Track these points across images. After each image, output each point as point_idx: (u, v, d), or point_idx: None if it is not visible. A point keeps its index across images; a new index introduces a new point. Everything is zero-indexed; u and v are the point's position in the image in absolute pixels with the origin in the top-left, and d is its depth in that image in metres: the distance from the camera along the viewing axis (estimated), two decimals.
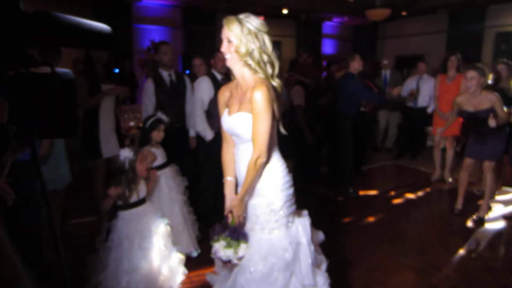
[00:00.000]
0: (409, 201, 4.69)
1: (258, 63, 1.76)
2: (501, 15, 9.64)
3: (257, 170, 1.78)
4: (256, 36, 1.75)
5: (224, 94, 1.98)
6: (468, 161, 4.03)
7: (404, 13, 10.95)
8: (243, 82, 1.84)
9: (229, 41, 1.76)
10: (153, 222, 2.51)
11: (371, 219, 4.11)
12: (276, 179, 1.88)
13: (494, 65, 4.55)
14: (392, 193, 4.95)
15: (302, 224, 1.95)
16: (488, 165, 3.88)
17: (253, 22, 1.75)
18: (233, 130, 1.87)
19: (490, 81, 4.44)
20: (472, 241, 3.54)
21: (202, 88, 3.62)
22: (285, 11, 10.49)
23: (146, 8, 8.80)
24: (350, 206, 4.47)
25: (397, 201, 4.67)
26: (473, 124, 3.95)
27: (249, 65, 1.77)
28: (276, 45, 9.70)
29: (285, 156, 5.16)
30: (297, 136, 4.59)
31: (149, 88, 3.56)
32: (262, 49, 1.77)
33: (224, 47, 1.79)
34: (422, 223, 4.10)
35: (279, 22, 11.46)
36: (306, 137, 4.51)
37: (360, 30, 12.79)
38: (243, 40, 1.73)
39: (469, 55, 9.36)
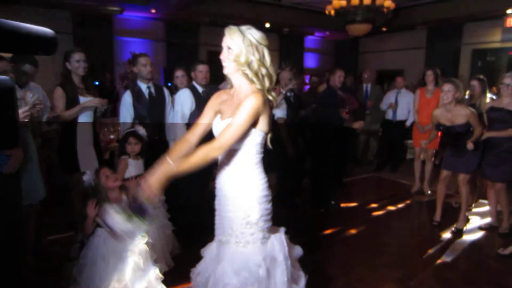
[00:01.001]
0: (390, 213, 4.73)
1: (256, 74, 1.77)
2: (477, 33, 9.97)
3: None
4: (257, 48, 1.76)
5: (220, 97, 1.97)
6: (444, 174, 4.12)
7: (384, 29, 11.22)
8: (240, 91, 1.84)
9: (229, 49, 1.77)
10: (131, 241, 2.43)
11: (352, 231, 4.12)
12: (255, 191, 1.86)
13: (469, 81, 4.69)
14: (373, 205, 4.98)
15: (279, 240, 1.93)
16: (462, 178, 3.98)
17: (255, 34, 1.76)
18: None
19: (466, 97, 4.56)
20: (450, 253, 3.59)
21: (183, 101, 3.61)
22: (267, 25, 10.62)
23: (128, 20, 8.78)
24: (332, 219, 4.47)
25: (377, 213, 4.71)
26: (450, 137, 4.04)
27: (246, 75, 1.77)
28: None
29: (268, 169, 5.15)
30: (279, 149, 4.60)
31: (126, 101, 3.53)
32: (261, 62, 1.77)
33: (224, 55, 1.80)
34: (402, 234, 4.13)
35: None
36: (288, 150, 4.52)
37: (341, 45, 13.03)
38: (243, 50, 1.73)
39: (447, 71, 9.62)
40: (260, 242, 1.86)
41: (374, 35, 11.90)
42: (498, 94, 9.63)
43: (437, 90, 5.16)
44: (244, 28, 1.77)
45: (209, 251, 2.02)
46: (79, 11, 7.78)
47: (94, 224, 2.41)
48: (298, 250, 2.14)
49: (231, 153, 1.83)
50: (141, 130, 2.88)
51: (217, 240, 1.97)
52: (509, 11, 8.74)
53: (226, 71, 1.83)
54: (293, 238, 3.57)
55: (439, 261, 3.43)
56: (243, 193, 1.85)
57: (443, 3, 9.44)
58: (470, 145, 3.72)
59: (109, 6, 7.89)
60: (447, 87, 3.83)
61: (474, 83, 4.41)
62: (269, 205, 1.91)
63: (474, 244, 3.83)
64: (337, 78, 4.62)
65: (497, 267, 3.35)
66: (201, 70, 3.73)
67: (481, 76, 4.48)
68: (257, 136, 1.81)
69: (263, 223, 1.88)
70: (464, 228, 4.03)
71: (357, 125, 4.70)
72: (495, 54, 10.83)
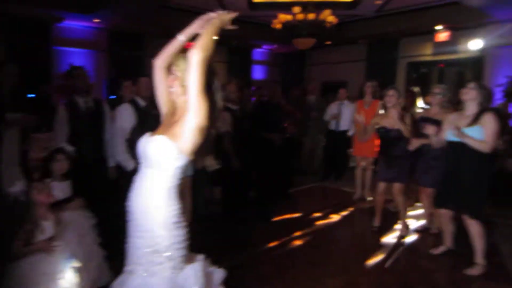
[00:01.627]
0: (334, 221, 4.87)
1: None
2: (411, 47, 10.66)
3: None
4: None
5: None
6: (381, 186, 4.31)
7: (328, 42, 11.68)
8: (181, 112, 1.81)
9: (175, 75, 1.82)
10: (60, 264, 2.30)
11: (297, 242, 4.18)
12: (164, 217, 1.75)
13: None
14: (318, 214, 5.10)
15: (193, 271, 1.82)
16: (398, 188, 4.18)
17: None
18: (146, 150, 1.80)
19: None
20: (389, 256, 3.74)
21: (123, 116, 3.50)
22: (216, 38, 10.65)
23: (68, 29, 8.40)
24: (277, 230, 4.51)
25: (322, 222, 4.82)
26: (385, 145, 4.25)
27: None
28: None
29: (213, 183, 5.12)
30: (224, 163, 4.59)
31: (61, 116, 3.37)
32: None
33: (170, 81, 1.84)
34: (345, 242, 4.26)
35: None
36: (233, 163, 4.52)
37: (288, 57, 13.35)
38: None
39: (386, 82, 10.15)
40: (169, 273, 1.74)
41: (319, 48, 12.33)
42: (430, 104, 10.31)
43: (374, 101, 5.43)
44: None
45: (119, 283, 1.85)
46: (12, 18, 7.34)
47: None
48: (219, 276, 2.02)
49: (151, 170, 1.78)
50: (68, 147, 2.74)
51: (126, 270, 1.83)
52: (437, 27, 9.45)
53: (172, 96, 1.88)
54: (236, 253, 3.58)
55: (378, 265, 3.57)
56: (151, 218, 1.75)
57: (381, 19, 10.00)
58: (411, 145, 3.96)
59: (47, 14, 7.53)
60: (391, 92, 4.16)
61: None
62: (181, 232, 1.80)
63: (410, 246, 4.05)
64: (276, 91, 4.72)
65: (430, 266, 3.55)
66: (144, 83, 3.65)
67: (413, 88, 4.78)
68: (178, 158, 1.76)
69: (174, 252, 1.77)
70: (406, 234, 4.24)
71: (275, 137, 4.74)
72: (427, 66, 11.62)
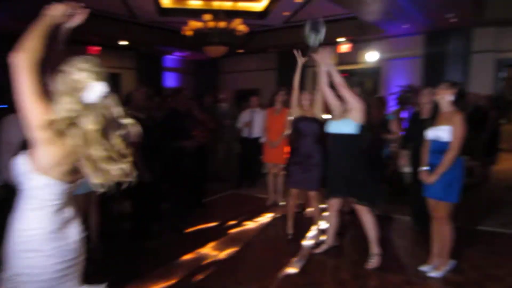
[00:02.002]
0: (248, 228, 4.90)
1: None
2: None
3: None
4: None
5: None
6: (293, 192, 4.40)
7: (240, 51, 11.89)
8: None
9: None
10: None
11: (211, 252, 4.12)
12: (15, 241, 1.53)
13: None
14: (232, 222, 5.10)
15: None
16: (314, 195, 4.27)
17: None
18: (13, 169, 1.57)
19: None
20: (300, 259, 3.85)
21: (9, 129, 3.12)
22: (123, 43, 10.19)
23: None
24: (190, 242, 4.40)
25: (236, 230, 4.82)
26: (298, 152, 4.31)
27: None
28: (115, 77, 9.30)
29: (123, 197, 4.81)
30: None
31: None
32: None
33: None
34: (260, 249, 4.30)
35: (118, 54, 11.08)
36: (142, 175, 4.31)
37: (201, 65, 13.32)
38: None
39: None
40: None
41: (232, 56, 12.52)
42: None
43: (284, 109, 5.62)
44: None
45: None
46: None
47: None
48: None
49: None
50: None
51: None
52: (340, 39, 10.19)
53: None
54: (148, 268, 3.41)
55: (291, 269, 3.66)
56: (16, 244, 1.54)
57: (290, 30, 10.48)
58: None
59: None
60: (306, 95, 4.39)
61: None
62: (55, 261, 1.55)
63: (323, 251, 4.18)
64: (184, 97, 4.64)
65: (333, 263, 3.74)
66: None
67: None
68: (33, 179, 1.51)
69: (44, 284, 1.54)
70: (321, 238, 4.31)
71: (188, 144, 4.66)
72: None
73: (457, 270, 3.45)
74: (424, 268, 3.49)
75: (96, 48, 10.44)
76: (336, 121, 3.66)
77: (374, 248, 3.64)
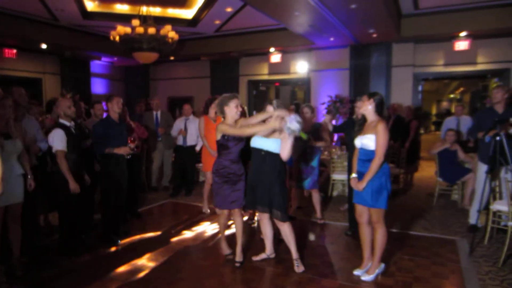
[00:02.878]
0: (186, 237, 4.78)
1: None
2: (251, 66, 11.54)
3: None
4: None
5: None
6: (225, 212, 3.98)
7: (172, 58, 11.68)
8: None
9: None
10: None
11: (149, 263, 3.95)
12: None
13: None
14: (169, 231, 4.95)
15: None
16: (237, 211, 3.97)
17: None
18: None
19: None
20: (240, 269, 3.84)
21: None
22: (44, 46, 9.48)
23: None
24: (125, 254, 4.19)
25: (174, 239, 4.68)
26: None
27: None
28: (35, 82, 8.68)
29: (50, 208, 4.46)
30: (59, 185, 4.06)
31: None
32: None
33: None
34: (197, 257, 4.20)
35: (39, 58, 10.30)
36: (70, 185, 4.02)
37: (132, 71, 12.86)
38: None
39: None
40: None
41: (163, 63, 12.27)
42: None
43: (219, 117, 5.59)
44: None
45: None
46: None
47: None
48: None
49: None
50: None
51: None
52: (271, 49, 10.48)
53: None
54: (78, 284, 3.18)
55: (229, 276, 3.64)
56: None
57: (221, 39, 10.55)
58: None
59: None
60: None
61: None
62: None
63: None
64: (115, 105, 4.42)
65: (271, 270, 3.77)
66: None
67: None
68: None
69: None
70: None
71: (120, 151, 4.46)
72: (265, 85, 12.75)
73: (387, 273, 3.66)
74: (357, 272, 3.64)
75: (12, 51, 9.58)
76: (264, 138, 3.64)
77: (295, 254, 3.71)
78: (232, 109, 3.72)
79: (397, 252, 4.18)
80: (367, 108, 3.48)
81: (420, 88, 10.05)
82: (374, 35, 8.63)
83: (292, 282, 3.52)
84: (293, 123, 3.26)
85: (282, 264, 3.89)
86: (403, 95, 9.40)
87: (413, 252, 4.22)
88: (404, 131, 7.60)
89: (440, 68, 9.59)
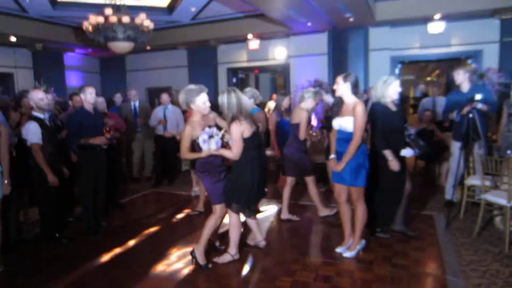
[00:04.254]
0: (170, 225, 4.78)
1: None
2: (229, 54, 11.44)
3: None
4: None
5: None
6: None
7: (148, 48, 11.47)
8: None
9: None
10: None
11: (132, 252, 3.94)
12: None
13: None
14: (153, 221, 4.94)
15: None
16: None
17: None
18: None
19: None
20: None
21: None
22: (14, 39, 9.17)
23: None
24: (109, 243, 4.17)
25: (157, 228, 4.68)
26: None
27: None
28: (6, 77, 8.41)
29: (30, 202, 4.39)
30: (37, 179, 3.98)
31: None
32: None
33: None
34: (184, 246, 4.19)
35: (10, 51, 9.96)
36: (48, 178, 3.96)
37: (107, 62, 12.60)
38: None
39: (209, 86, 10.61)
40: None
41: (139, 53, 12.04)
42: None
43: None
44: None
45: None
46: None
47: None
48: None
49: None
50: None
51: None
52: (249, 36, 10.41)
53: None
54: (64, 274, 3.17)
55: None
56: None
57: (198, 26, 10.41)
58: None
59: None
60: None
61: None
62: None
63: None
64: (88, 95, 4.34)
65: (260, 251, 3.82)
66: None
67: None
68: None
69: None
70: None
71: (96, 141, 4.33)
72: (245, 72, 12.69)
73: (368, 249, 3.76)
74: (339, 249, 3.74)
75: None
76: None
77: (232, 249, 3.59)
78: (199, 106, 3.35)
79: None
80: (343, 90, 3.52)
81: (397, 71, 10.19)
82: (351, 19, 8.67)
83: (275, 262, 3.57)
84: (203, 144, 3.16)
85: (271, 246, 3.94)
86: None
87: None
88: None
89: (416, 51, 9.72)
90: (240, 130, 3.29)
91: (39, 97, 4.06)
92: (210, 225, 3.52)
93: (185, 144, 3.34)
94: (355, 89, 3.49)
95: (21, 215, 4.77)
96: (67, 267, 3.63)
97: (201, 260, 3.53)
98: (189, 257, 3.63)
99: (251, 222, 3.89)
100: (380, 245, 3.87)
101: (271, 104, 10.18)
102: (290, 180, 4.80)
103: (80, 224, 4.61)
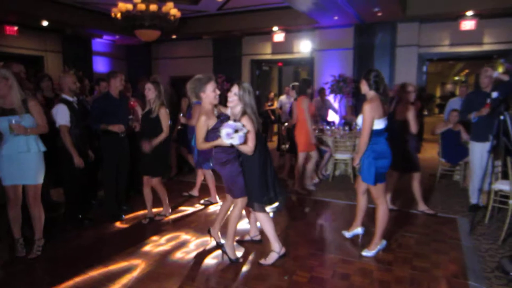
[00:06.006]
0: (190, 212, 4.84)
1: None
2: (253, 46, 11.39)
3: None
4: None
5: None
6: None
7: (174, 36, 11.55)
8: None
9: None
10: None
11: (153, 237, 4.01)
12: None
13: None
14: (173, 208, 4.98)
15: None
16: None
17: None
18: None
19: None
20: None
21: None
22: (45, 23, 9.37)
23: None
24: (130, 229, 4.27)
25: (178, 215, 4.74)
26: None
27: None
28: (36, 60, 8.57)
29: (53, 183, 4.50)
30: (64, 160, 4.08)
31: None
32: None
33: None
34: (201, 232, 4.23)
35: (40, 35, 10.21)
36: (74, 161, 4.05)
37: (133, 50, 12.76)
38: None
39: (233, 77, 10.64)
40: None
41: (165, 42, 12.13)
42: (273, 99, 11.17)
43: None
44: None
45: None
46: None
47: None
48: None
49: None
50: None
51: None
52: (274, 28, 10.32)
53: None
54: (92, 259, 3.23)
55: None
56: None
57: (224, 17, 10.39)
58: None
59: None
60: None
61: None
62: None
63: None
64: (118, 81, 4.40)
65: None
66: None
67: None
68: None
69: None
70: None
71: (116, 128, 4.36)
72: (268, 64, 12.62)
73: (388, 250, 3.70)
74: (345, 232, 3.90)
75: (13, 28, 9.49)
76: None
77: (275, 245, 3.43)
78: (209, 95, 3.26)
79: (398, 230, 4.22)
80: (363, 87, 3.52)
81: (424, 69, 9.94)
82: (379, 14, 8.48)
83: (292, 257, 3.57)
84: (227, 138, 2.98)
85: (288, 240, 3.93)
86: (407, 76, 9.29)
87: (414, 230, 4.27)
88: None
89: (445, 48, 9.46)
90: (252, 124, 3.16)
91: (71, 80, 4.16)
92: (234, 217, 3.44)
93: (201, 135, 3.25)
94: (375, 86, 3.44)
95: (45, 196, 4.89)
96: (91, 250, 3.74)
97: (232, 254, 3.47)
98: (208, 246, 3.66)
99: (252, 216, 3.82)
100: (400, 246, 3.81)
101: (284, 99, 9.99)
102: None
103: (102, 208, 4.72)
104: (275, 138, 11.06)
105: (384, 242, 3.69)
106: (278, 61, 11.97)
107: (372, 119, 3.36)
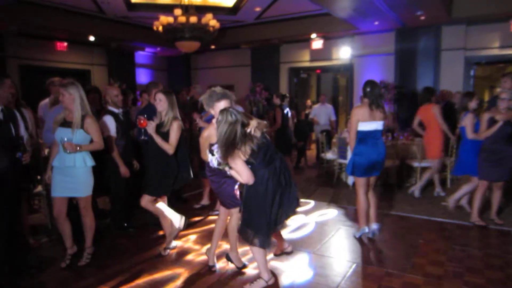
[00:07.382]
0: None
1: None
2: (291, 53, 11.37)
3: None
4: None
5: None
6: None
7: (213, 47, 11.77)
8: None
9: None
10: None
11: (195, 246, 4.04)
12: None
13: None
14: (214, 217, 5.02)
15: None
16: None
17: None
18: None
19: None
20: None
21: None
22: (92, 38, 9.86)
23: None
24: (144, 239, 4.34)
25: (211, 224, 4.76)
26: None
27: None
28: (85, 73, 8.96)
29: (99, 192, 4.62)
30: (110, 170, 4.23)
31: None
32: None
33: None
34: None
35: (87, 50, 10.74)
36: (120, 170, 4.19)
37: (173, 61, 13.11)
38: None
39: (271, 85, 10.67)
40: None
41: (204, 52, 12.39)
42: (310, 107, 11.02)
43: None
44: None
45: None
46: None
47: None
48: None
49: None
50: None
51: None
52: (313, 36, 10.25)
53: None
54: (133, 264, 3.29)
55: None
56: None
57: (262, 26, 10.46)
58: None
59: None
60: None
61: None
62: None
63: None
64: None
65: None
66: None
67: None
68: None
69: None
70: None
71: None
72: (306, 72, 12.54)
73: (436, 263, 3.53)
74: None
75: (63, 44, 10.05)
76: None
77: (264, 273, 3.14)
78: (217, 112, 2.96)
79: (446, 242, 4.01)
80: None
81: (472, 73, 9.48)
82: (422, 18, 8.21)
83: (335, 271, 3.47)
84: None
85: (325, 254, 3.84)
86: (453, 80, 8.90)
87: (463, 242, 4.04)
88: (454, 119, 7.21)
89: (494, 51, 8.96)
90: (239, 161, 2.79)
91: (114, 93, 4.32)
92: (233, 228, 3.42)
93: (203, 149, 3.24)
94: (364, 94, 3.99)
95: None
96: (137, 258, 3.82)
97: (238, 263, 3.53)
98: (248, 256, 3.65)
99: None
100: (450, 260, 3.61)
101: (317, 108, 9.50)
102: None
103: (146, 215, 4.83)
104: (313, 146, 10.93)
105: (366, 228, 4.14)
106: (316, 68, 11.86)
107: (356, 121, 3.95)
